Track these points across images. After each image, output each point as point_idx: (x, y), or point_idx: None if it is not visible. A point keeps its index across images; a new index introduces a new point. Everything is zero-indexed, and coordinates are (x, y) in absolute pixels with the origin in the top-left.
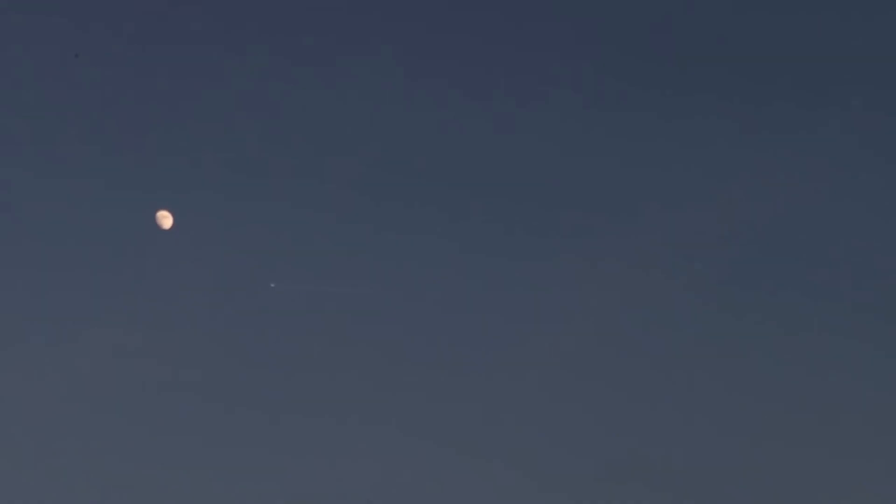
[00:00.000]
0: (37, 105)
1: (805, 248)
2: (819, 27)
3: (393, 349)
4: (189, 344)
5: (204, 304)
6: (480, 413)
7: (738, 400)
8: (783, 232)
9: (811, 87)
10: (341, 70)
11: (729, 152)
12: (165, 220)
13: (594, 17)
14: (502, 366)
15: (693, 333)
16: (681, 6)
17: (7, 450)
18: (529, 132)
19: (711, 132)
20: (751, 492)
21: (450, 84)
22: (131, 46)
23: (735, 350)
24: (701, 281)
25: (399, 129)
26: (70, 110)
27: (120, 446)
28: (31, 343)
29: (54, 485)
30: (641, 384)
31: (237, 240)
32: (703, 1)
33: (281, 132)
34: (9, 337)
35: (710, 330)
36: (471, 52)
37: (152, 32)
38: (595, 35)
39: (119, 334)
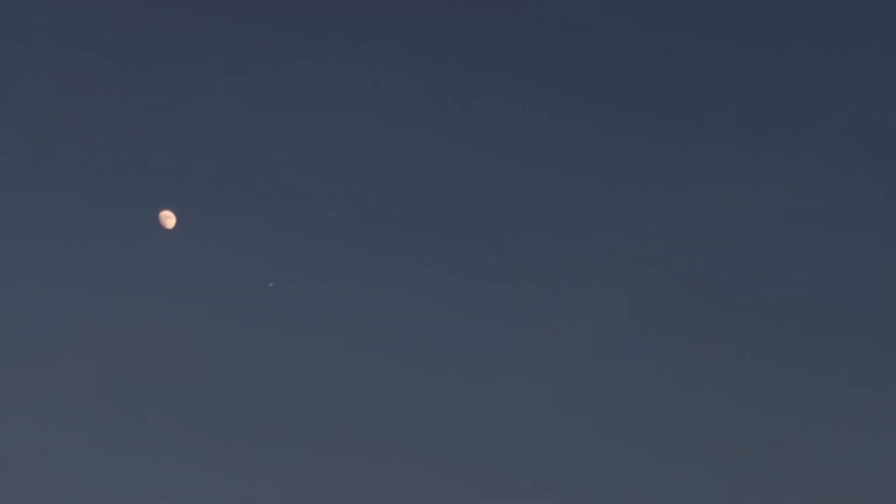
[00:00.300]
0: (38, 103)
1: (805, 249)
2: (816, 26)
3: (392, 349)
4: (193, 344)
5: (208, 304)
6: (481, 414)
7: (736, 401)
8: (783, 233)
9: (811, 86)
10: (346, 67)
11: (728, 152)
12: (168, 219)
13: (591, 16)
14: (502, 366)
15: (692, 335)
16: (678, 7)
17: (9, 449)
18: (526, 132)
19: (709, 132)
20: (750, 495)
21: (447, 84)
22: (138, 43)
23: (733, 352)
24: (699, 283)
25: (399, 127)
26: (72, 109)
27: (122, 446)
28: (33, 343)
29: (56, 485)
30: (641, 386)
31: (241, 240)
32: (699, 3)
33: (285, 131)
34: (11, 337)
35: (708, 331)
36: (463, 51)
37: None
38: (590, 35)
39: (122, 334)
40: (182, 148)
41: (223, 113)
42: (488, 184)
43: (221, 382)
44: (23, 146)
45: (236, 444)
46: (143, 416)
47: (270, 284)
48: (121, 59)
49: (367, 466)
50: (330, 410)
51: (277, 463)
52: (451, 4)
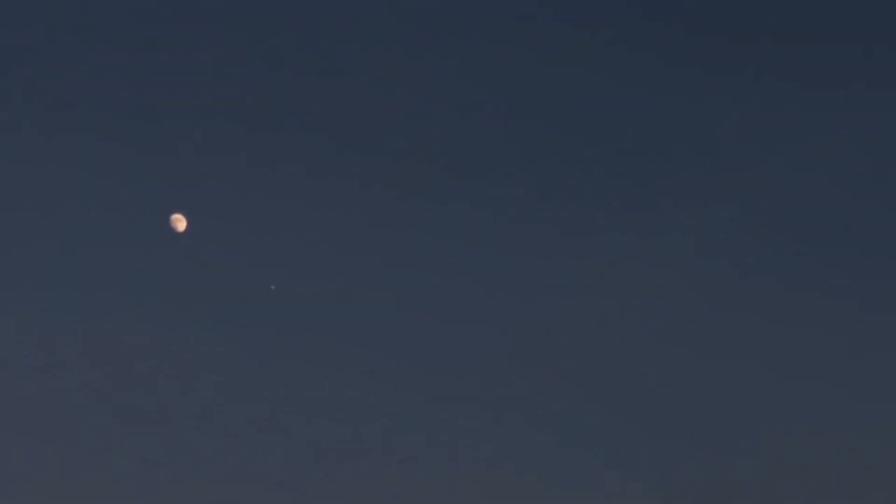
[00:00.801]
0: (47, 102)
1: (821, 246)
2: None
3: (398, 348)
4: (202, 345)
5: (218, 305)
6: (485, 414)
7: (749, 401)
8: (798, 230)
9: (831, 79)
10: (360, 71)
11: (744, 146)
12: (179, 223)
13: (607, 9)
14: (509, 366)
15: (705, 332)
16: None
17: (18, 450)
18: (536, 125)
19: (726, 125)
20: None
21: (458, 73)
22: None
23: (747, 350)
24: (715, 278)
25: (408, 119)
26: (81, 109)
27: (128, 446)
28: (42, 344)
29: (62, 486)
30: (651, 384)
31: (251, 242)
32: None
33: (292, 131)
34: (20, 338)
35: (722, 328)
36: (480, 35)
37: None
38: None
39: (132, 335)
40: (196, 149)
41: (236, 114)
42: (494, 178)
43: (228, 384)
44: (30, 147)
45: (242, 444)
46: (150, 415)
47: (273, 287)
48: (137, 53)
49: (380, 464)
50: (337, 411)
51: (283, 462)
52: None
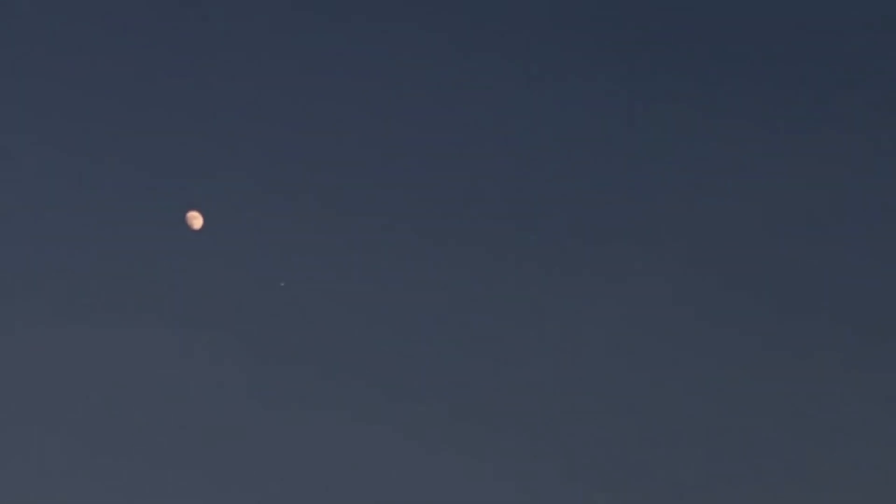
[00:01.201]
0: (58, 101)
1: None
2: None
3: (405, 345)
4: (217, 344)
5: (232, 304)
6: (491, 415)
7: (766, 401)
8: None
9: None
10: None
11: (757, 144)
12: (196, 220)
13: (612, 9)
14: (515, 366)
15: (720, 332)
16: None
17: (34, 449)
18: (542, 121)
19: (739, 123)
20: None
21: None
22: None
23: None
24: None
25: (414, 116)
26: (92, 108)
27: (141, 445)
28: (57, 343)
29: (78, 485)
30: (663, 386)
31: (266, 240)
32: None
33: (306, 130)
34: (35, 337)
35: (738, 330)
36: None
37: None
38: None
39: (148, 334)
40: (211, 146)
41: (252, 112)
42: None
43: (233, 383)
44: (39, 144)
45: (252, 445)
46: (160, 417)
47: (282, 284)
48: (151, 48)
49: (384, 466)
50: (343, 412)
51: (294, 463)
52: None
